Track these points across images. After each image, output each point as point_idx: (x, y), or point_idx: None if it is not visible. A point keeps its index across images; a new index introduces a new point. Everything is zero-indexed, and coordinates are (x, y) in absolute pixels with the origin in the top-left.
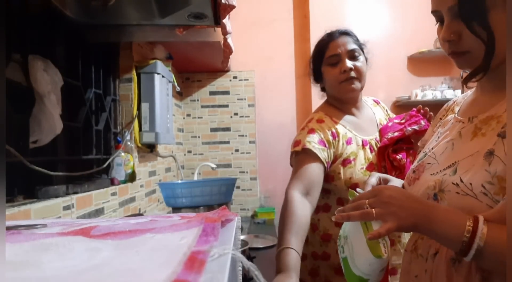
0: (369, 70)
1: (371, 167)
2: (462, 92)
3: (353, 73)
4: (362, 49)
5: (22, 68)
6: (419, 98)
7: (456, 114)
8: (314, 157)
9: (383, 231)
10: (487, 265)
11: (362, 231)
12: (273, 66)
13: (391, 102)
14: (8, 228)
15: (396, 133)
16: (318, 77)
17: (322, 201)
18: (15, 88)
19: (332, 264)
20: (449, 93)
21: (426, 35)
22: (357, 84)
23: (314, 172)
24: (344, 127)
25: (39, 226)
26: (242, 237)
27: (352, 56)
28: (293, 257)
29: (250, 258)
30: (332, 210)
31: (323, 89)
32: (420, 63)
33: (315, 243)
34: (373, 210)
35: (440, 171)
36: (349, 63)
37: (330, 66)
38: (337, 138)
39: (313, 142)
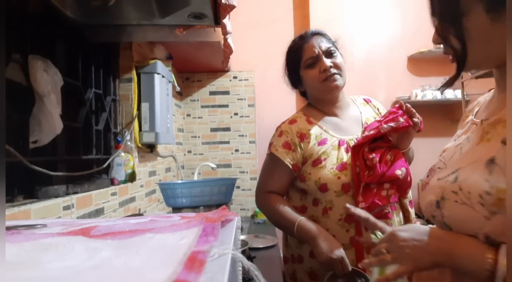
0: (369, 70)
1: (342, 167)
2: (462, 92)
3: (333, 70)
4: (336, 47)
5: (22, 68)
6: (419, 98)
7: (473, 116)
8: (280, 162)
9: (391, 276)
10: None
11: (379, 274)
12: (273, 66)
13: (391, 102)
14: (8, 228)
15: (372, 132)
16: (296, 82)
17: (300, 202)
18: (15, 88)
19: (306, 268)
20: (449, 93)
21: (426, 35)
22: (339, 80)
23: (282, 177)
24: (320, 127)
25: (39, 226)
26: (242, 237)
27: (329, 54)
28: (311, 223)
29: (250, 258)
30: (308, 211)
31: (303, 93)
32: (420, 63)
33: (293, 246)
34: (389, 255)
35: (445, 176)
36: (327, 62)
37: (309, 68)
38: (305, 140)
39: (278, 146)
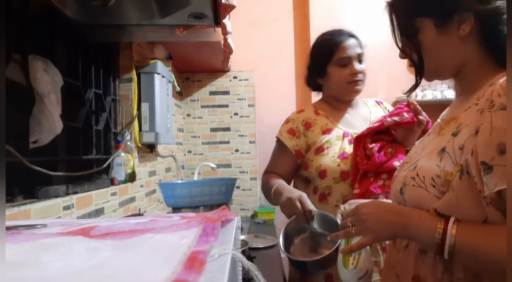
0: (369, 70)
1: (343, 156)
2: None
3: (360, 76)
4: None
5: (22, 68)
6: (419, 98)
7: (440, 118)
8: (283, 146)
9: (355, 247)
10: (465, 262)
11: (344, 245)
12: (273, 66)
13: (391, 102)
14: (8, 228)
15: (376, 124)
16: (320, 74)
17: (304, 191)
18: (15, 88)
19: None
20: (449, 93)
21: None
22: (361, 86)
23: (284, 161)
24: (327, 118)
25: (39, 226)
26: (242, 237)
27: (360, 60)
28: (287, 185)
29: (250, 258)
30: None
31: (318, 88)
32: None
33: None
34: (353, 228)
35: (408, 167)
36: (358, 66)
37: (339, 66)
38: (310, 128)
39: (283, 131)
